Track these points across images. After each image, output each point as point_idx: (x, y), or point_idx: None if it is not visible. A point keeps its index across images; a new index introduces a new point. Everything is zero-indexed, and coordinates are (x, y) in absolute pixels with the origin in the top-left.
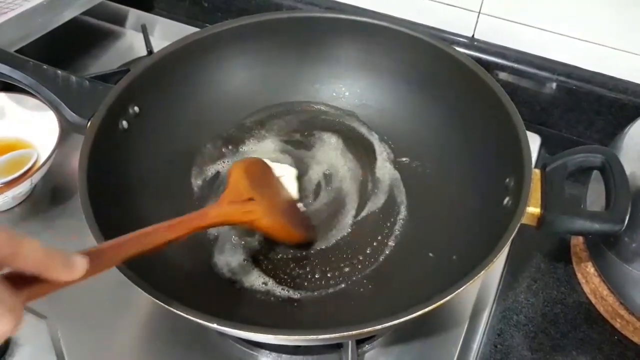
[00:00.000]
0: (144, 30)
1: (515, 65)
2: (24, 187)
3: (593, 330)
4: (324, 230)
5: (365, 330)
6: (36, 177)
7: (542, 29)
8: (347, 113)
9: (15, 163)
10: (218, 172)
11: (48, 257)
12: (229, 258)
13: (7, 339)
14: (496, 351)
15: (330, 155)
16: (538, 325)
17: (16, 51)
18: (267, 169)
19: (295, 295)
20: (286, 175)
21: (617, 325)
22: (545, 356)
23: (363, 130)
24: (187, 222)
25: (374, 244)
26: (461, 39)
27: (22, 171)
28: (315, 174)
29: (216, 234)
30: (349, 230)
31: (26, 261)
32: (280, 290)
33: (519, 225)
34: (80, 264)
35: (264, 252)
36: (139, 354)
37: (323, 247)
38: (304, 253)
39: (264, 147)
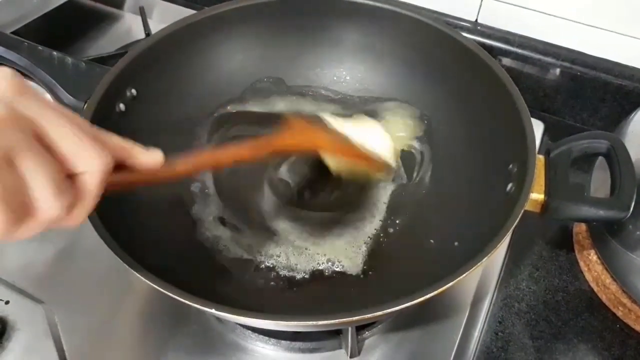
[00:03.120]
0: (142, 12)
1: (519, 51)
2: None
3: (595, 318)
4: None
5: (366, 316)
6: None
7: (546, 14)
8: (348, 97)
9: None
10: None
11: (128, 144)
12: (230, 243)
13: (5, 324)
14: (497, 339)
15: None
16: (539, 313)
17: (13, 33)
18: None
19: (295, 280)
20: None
21: (619, 314)
22: (546, 344)
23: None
24: (260, 143)
25: (375, 229)
26: (464, 24)
27: None
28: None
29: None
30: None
31: (111, 144)
32: (280, 276)
33: (522, 211)
34: (159, 153)
35: (265, 236)
36: (136, 339)
37: (322, 233)
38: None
39: None
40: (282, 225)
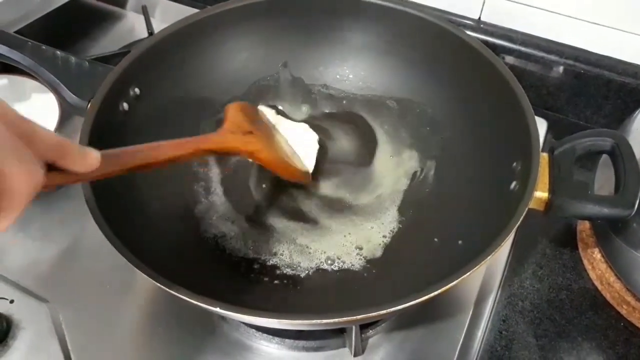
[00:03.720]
0: (145, 11)
1: (522, 49)
2: None
3: (599, 316)
4: (329, 212)
5: (370, 315)
6: None
7: (549, 11)
8: (351, 95)
9: None
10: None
11: (62, 144)
12: (234, 242)
13: (9, 323)
14: (501, 337)
15: (336, 135)
16: (543, 311)
17: (16, 32)
18: (259, 114)
19: (299, 278)
20: (305, 137)
21: (623, 312)
22: (550, 342)
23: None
24: (191, 142)
25: (379, 228)
26: (468, 22)
27: None
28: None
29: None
30: (353, 214)
31: (42, 144)
32: (283, 274)
33: (526, 209)
34: (94, 155)
35: (268, 235)
36: (141, 337)
37: (329, 233)
38: (309, 237)
39: None
40: (285, 224)
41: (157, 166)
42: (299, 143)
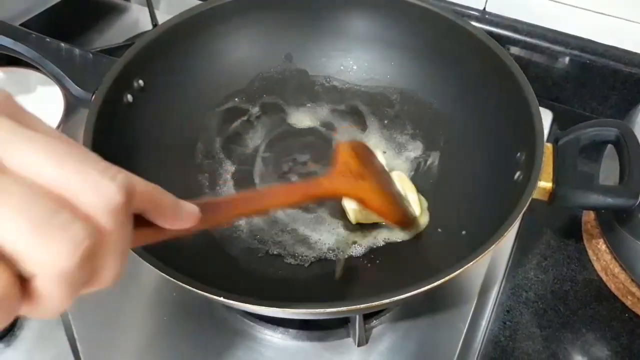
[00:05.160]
0: (149, 3)
1: (528, 39)
2: None
3: (603, 307)
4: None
5: (373, 304)
6: None
7: (554, 1)
8: (355, 87)
9: None
10: (223, 146)
11: (157, 193)
12: (238, 231)
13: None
14: (505, 328)
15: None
16: (547, 302)
17: (21, 25)
18: (371, 152)
19: (302, 269)
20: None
21: (628, 303)
22: (554, 333)
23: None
24: (300, 189)
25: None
26: (473, 12)
27: None
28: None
29: None
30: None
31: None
32: (287, 264)
33: (530, 199)
34: (192, 211)
35: (271, 227)
36: (146, 327)
37: (332, 223)
38: (311, 227)
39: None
40: (288, 214)
41: (260, 215)
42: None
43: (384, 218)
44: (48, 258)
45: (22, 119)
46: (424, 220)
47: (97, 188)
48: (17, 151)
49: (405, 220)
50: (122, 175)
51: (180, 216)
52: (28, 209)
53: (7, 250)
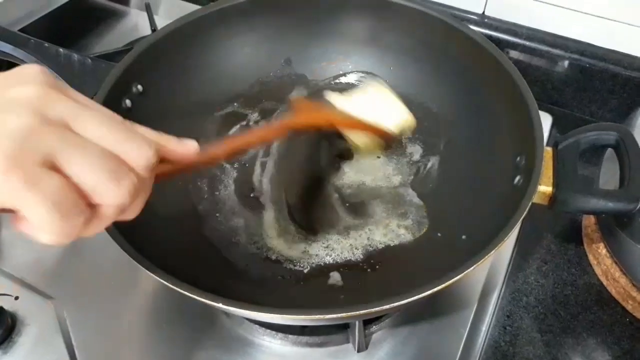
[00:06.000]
0: (148, 9)
1: (527, 43)
2: None
3: (604, 312)
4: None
5: (373, 310)
6: None
7: (554, 5)
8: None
9: None
10: None
11: (161, 135)
12: (237, 237)
13: (14, 320)
14: (505, 333)
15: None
16: (548, 307)
17: (20, 30)
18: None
19: (302, 274)
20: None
21: (629, 307)
22: (555, 338)
23: None
24: (276, 125)
25: (382, 223)
26: (472, 16)
27: None
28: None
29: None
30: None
31: (147, 137)
32: (286, 270)
33: (530, 204)
34: (192, 142)
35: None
36: (145, 334)
37: (331, 229)
38: (310, 231)
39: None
40: (287, 219)
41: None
42: (379, 107)
43: (366, 131)
44: (114, 195)
45: (64, 90)
46: (410, 121)
47: (140, 151)
48: (85, 122)
49: (383, 132)
50: (154, 139)
51: (185, 148)
52: (102, 162)
53: (86, 187)
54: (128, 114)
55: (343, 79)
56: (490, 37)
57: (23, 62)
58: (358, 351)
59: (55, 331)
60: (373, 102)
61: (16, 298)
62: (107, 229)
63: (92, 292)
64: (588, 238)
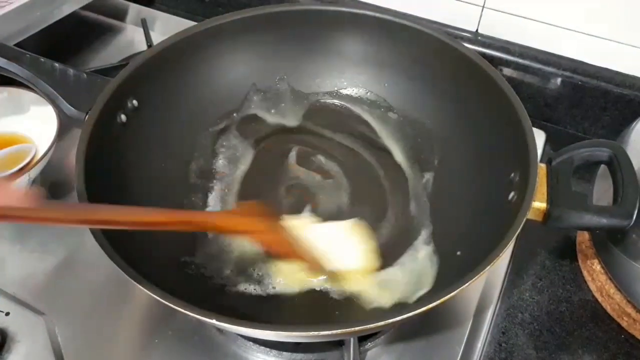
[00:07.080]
0: (144, 24)
1: (520, 61)
2: (21, 182)
3: (599, 328)
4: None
5: (367, 326)
6: (34, 172)
7: (547, 23)
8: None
9: (13, 158)
10: (217, 166)
11: None
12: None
13: (5, 336)
14: (500, 350)
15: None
16: (543, 323)
17: (16, 45)
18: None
19: (294, 293)
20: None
21: (624, 324)
22: (550, 355)
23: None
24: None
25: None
26: (465, 34)
27: (19, 166)
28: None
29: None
30: None
31: None
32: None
33: (524, 220)
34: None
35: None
36: (137, 350)
37: None
38: None
39: None
40: None
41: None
42: (339, 244)
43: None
44: None
45: None
46: (369, 267)
47: None
48: None
49: (315, 263)
50: None
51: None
52: None
53: None
54: (123, 129)
55: (337, 95)
56: (483, 55)
57: (18, 76)
58: None
59: (47, 347)
60: (333, 239)
61: (7, 314)
62: (101, 244)
63: (84, 308)
64: (582, 254)
